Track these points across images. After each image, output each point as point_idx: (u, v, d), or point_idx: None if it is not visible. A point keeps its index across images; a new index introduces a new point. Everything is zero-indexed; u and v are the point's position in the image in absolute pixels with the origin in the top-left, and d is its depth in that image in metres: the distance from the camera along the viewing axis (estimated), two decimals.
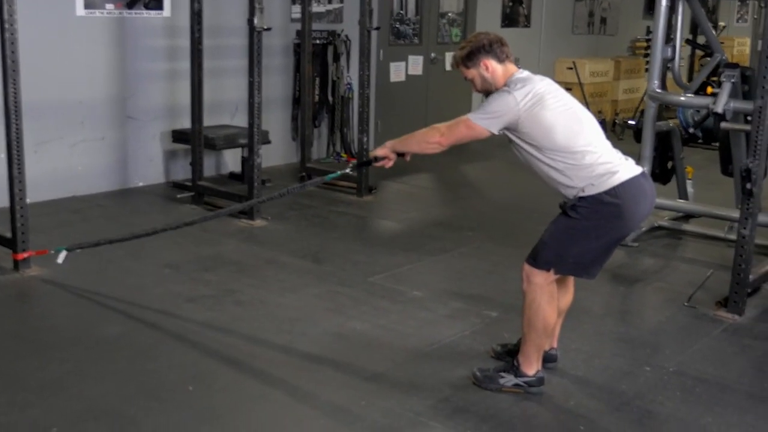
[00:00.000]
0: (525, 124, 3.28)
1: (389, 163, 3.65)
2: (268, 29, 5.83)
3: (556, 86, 3.44)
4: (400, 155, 3.62)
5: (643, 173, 3.40)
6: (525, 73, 3.43)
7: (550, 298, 3.42)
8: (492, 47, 3.42)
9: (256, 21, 5.70)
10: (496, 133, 3.35)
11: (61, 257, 4.63)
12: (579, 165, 3.28)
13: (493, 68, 3.43)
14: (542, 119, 3.27)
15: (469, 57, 3.45)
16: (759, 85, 4.32)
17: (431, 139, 3.44)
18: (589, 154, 3.29)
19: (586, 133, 3.34)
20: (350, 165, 4.07)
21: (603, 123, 10.73)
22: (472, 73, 3.47)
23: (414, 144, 3.54)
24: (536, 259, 3.41)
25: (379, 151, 3.62)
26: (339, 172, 4.00)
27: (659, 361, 3.93)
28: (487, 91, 3.48)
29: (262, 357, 3.85)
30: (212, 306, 4.44)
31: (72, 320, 4.25)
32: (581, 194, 3.30)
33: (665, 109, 9.17)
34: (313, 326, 4.22)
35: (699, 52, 9.81)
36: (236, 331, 4.14)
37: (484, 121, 3.33)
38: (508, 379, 3.52)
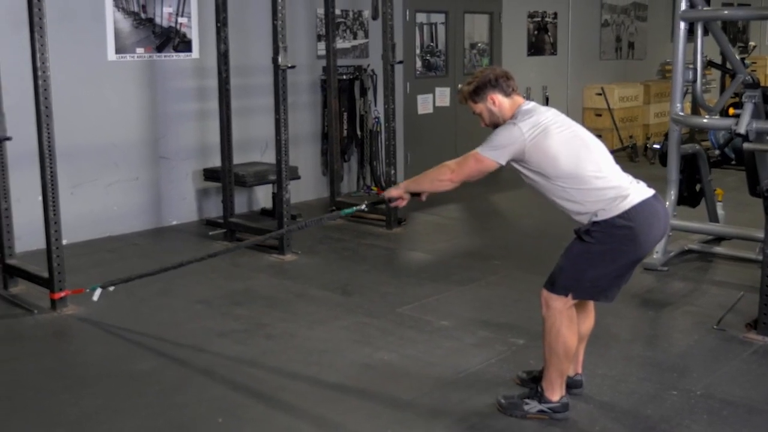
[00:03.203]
0: (531, 153, 3.35)
1: (402, 203, 3.72)
2: (292, 67, 5.97)
3: (563, 116, 3.50)
4: (415, 195, 3.69)
5: (655, 195, 3.43)
6: (531, 104, 3.50)
7: (569, 322, 3.44)
8: (498, 81, 3.50)
9: (280, 59, 5.84)
10: (503, 164, 3.42)
11: (96, 295, 4.78)
12: (589, 190, 3.32)
13: (500, 102, 3.50)
14: (547, 148, 3.33)
15: (476, 92, 3.52)
16: None
17: (442, 176, 3.52)
18: (598, 179, 3.34)
19: (595, 158, 3.39)
20: (365, 203, 4.18)
21: (634, 147, 10.72)
22: (479, 107, 3.55)
23: (426, 183, 3.61)
24: (554, 285, 3.44)
25: (393, 192, 3.71)
26: (354, 209, 4.20)
27: (686, 384, 3.91)
28: (496, 125, 3.54)
29: (290, 389, 3.91)
30: (243, 340, 4.52)
31: (105, 356, 4.36)
32: (594, 219, 3.33)
33: (698, 132, 9.16)
34: (341, 357, 4.27)
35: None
36: (266, 364, 4.21)
37: (491, 152, 3.39)
38: (532, 406, 3.54)
